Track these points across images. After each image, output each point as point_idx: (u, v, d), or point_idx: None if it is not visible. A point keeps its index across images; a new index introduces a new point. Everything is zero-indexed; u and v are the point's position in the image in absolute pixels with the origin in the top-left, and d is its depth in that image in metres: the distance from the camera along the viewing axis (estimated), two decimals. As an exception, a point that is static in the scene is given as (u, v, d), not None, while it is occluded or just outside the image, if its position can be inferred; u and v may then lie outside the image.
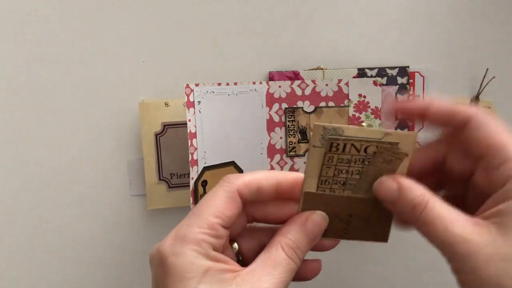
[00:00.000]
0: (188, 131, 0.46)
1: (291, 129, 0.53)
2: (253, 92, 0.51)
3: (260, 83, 0.51)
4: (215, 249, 0.26)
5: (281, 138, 0.53)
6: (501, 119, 0.25)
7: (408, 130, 0.55)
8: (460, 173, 0.28)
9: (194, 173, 0.47)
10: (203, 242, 0.25)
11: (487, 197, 0.25)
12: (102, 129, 0.52)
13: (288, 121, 0.53)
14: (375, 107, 0.53)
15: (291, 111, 0.53)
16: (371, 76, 0.54)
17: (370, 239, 0.30)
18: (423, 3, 0.56)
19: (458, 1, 0.56)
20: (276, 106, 0.52)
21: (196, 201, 0.48)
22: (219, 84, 0.49)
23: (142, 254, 0.54)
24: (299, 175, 0.29)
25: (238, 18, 0.53)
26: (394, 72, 0.55)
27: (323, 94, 0.53)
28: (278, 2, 0.53)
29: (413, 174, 0.28)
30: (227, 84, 0.49)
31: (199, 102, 0.47)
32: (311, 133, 0.52)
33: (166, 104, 0.51)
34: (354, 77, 0.54)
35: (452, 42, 0.57)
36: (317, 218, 0.28)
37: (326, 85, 0.53)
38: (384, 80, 0.54)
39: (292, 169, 0.53)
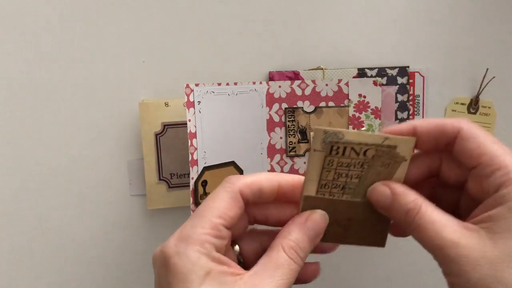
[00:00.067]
0: (188, 131, 0.46)
1: (291, 129, 0.53)
2: (253, 92, 0.51)
3: (260, 83, 0.51)
4: (218, 250, 0.26)
5: (281, 138, 0.53)
6: (501, 119, 0.26)
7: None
8: (454, 182, 0.28)
9: (194, 173, 0.47)
10: (206, 242, 0.25)
11: (479, 204, 0.26)
12: (102, 129, 0.52)
13: (288, 121, 0.53)
14: (375, 107, 0.54)
15: (291, 111, 0.53)
16: (371, 76, 0.54)
17: (368, 244, 0.31)
18: (423, 3, 0.56)
19: (458, 1, 0.56)
20: (276, 106, 0.52)
21: (196, 201, 0.48)
22: (219, 84, 0.49)
23: (142, 254, 0.54)
24: (300, 178, 0.29)
25: (238, 18, 0.53)
26: (394, 72, 0.55)
27: (323, 94, 0.53)
28: (278, 2, 0.53)
29: (409, 181, 0.28)
30: (227, 84, 0.49)
31: (199, 102, 0.47)
32: (311, 133, 0.52)
33: (166, 104, 0.51)
34: (354, 77, 0.54)
35: (452, 42, 0.57)
36: (317, 217, 0.28)
37: (326, 85, 0.53)
38: (384, 80, 0.54)
39: (292, 169, 0.53)
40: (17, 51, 0.49)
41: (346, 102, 0.53)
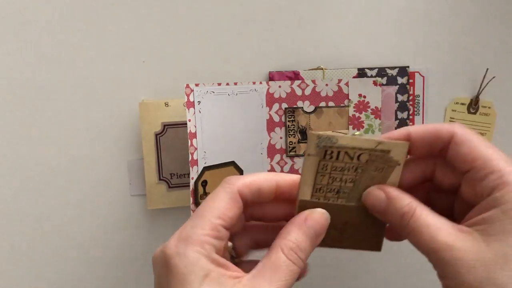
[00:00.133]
0: (188, 131, 0.47)
1: (291, 129, 0.53)
2: (253, 92, 0.51)
3: (260, 83, 0.51)
4: (217, 251, 0.26)
5: (281, 138, 0.53)
6: (501, 119, 0.26)
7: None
8: (448, 186, 0.28)
9: (194, 173, 0.47)
10: (206, 243, 0.25)
11: (473, 208, 0.26)
12: (102, 129, 0.52)
13: (288, 121, 0.53)
14: (375, 107, 0.54)
15: (291, 111, 0.53)
16: (371, 76, 0.54)
17: (364, 248, 0.31)
18: (423, 3, 0.56)
19: (458, 1, 0.56)
20: (276, 106, 0.52)
21: (196, 201, 0.48)
22: (219, 84, 0.49)
23: (142, 254, 0.54)
24: (298, 177, 0.29)
25: (238, 18, 0.53)
26: (394, 72, 0.55)
27: (323, 94, 0.53)
28: (278, 2, 0.53)
29: (403, 186, 0.28)
30: (227, 84, 0.49)
31: (199, 102, 0.47)
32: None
33: (166, 104, 0.51)
34: (354, 77, 0.54)
35: (452, 42, 0.57)
36: (317, 216, 0.28)
37: (326, 85, 0.53)
38: (384, 80, 0.54)
39: (292, 169, 0.53)
40: (17, 51, 0.49)
41: (346, 102, 0.53)
